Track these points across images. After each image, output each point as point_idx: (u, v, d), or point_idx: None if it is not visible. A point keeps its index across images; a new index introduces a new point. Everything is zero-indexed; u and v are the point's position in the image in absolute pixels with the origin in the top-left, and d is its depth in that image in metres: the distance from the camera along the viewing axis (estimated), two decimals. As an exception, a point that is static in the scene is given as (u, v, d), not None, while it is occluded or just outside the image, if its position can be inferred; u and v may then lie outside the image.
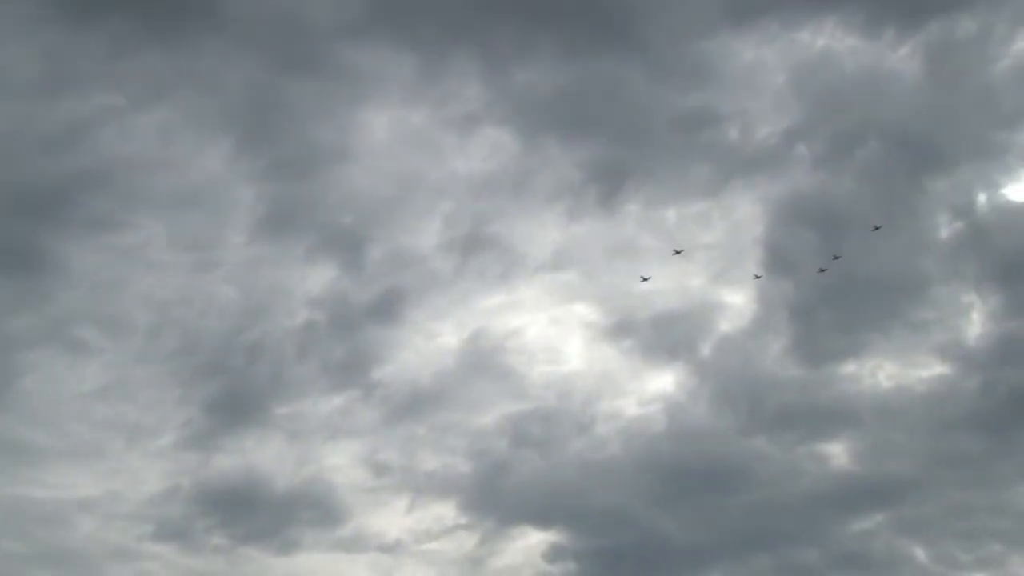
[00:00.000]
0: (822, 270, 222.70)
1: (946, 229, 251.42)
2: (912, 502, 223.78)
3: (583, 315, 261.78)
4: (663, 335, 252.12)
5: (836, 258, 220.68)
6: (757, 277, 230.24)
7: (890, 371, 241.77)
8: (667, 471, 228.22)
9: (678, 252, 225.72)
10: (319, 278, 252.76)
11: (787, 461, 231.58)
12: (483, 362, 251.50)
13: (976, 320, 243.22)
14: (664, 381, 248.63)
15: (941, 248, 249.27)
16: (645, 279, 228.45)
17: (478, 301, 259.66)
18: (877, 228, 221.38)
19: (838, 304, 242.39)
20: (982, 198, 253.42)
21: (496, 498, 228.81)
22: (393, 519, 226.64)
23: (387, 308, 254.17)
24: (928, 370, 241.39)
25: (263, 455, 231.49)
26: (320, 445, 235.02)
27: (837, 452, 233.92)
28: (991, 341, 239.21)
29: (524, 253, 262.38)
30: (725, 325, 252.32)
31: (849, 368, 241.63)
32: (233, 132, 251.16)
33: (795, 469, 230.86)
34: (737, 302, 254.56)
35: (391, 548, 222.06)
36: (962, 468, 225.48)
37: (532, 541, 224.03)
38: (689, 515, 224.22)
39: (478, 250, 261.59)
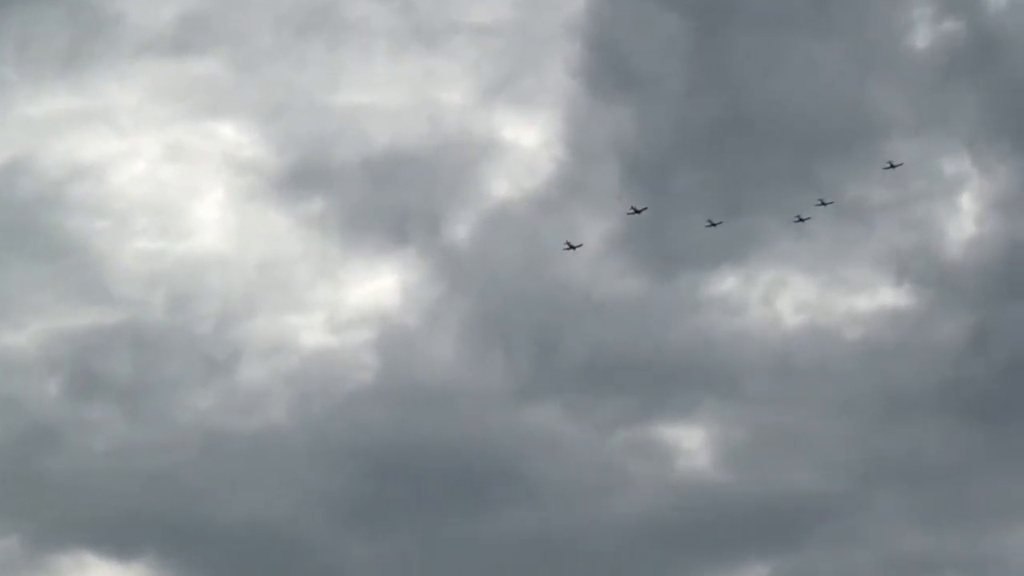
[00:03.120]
0: (800, 219, 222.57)
1: (925, 32, 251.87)
2: (826, 541, 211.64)
3: (230, 144, 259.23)
4: (379, 197, 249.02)
5: (823, 203, 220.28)
6: (636, 211, 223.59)
7: (802, 294, 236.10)
8: (375, 460, 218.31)
9: (637, 211, 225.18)
10: None
11: (600, 453, 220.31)
12: (19, 223, 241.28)
13: (967, 204, 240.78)
14: (379, 286, 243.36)
15: (914, 67, 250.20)
16: (572, 247, 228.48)
17: (17, 102, 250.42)
18: (893, 166, 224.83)
19: (714, 160, 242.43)
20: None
21: (29, 496, 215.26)
22: None
23: None
24: (872, 297, 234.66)
25: None
26: None
27: (693, 443, 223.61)
28: (992, 247, 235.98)
29: (118, 12, 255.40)
30: (501, 185, 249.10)
31: (725, 284, 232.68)
32: None
33: (614, 469, 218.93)
34: (528, 142, 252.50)
35: None
36: (920, 483, 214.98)
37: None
38: (408, 543, 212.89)
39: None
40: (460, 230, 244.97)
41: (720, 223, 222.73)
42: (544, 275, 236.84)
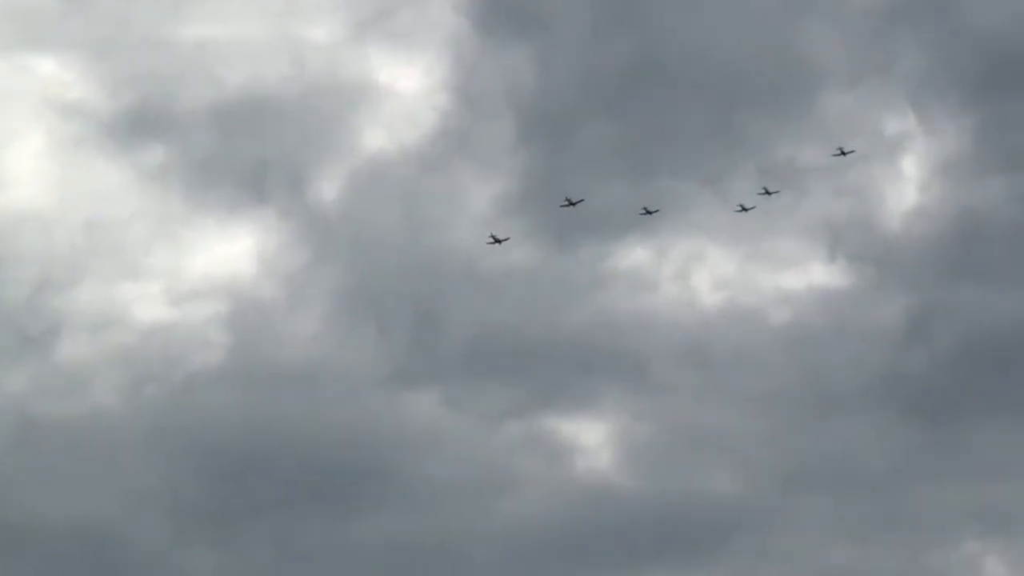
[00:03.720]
0: (743, 208, 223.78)
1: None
2: (744, 554, 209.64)
3: (51, 83, 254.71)
4: (231, 147, 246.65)
5: (767, 192, 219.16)
6: (571, 203, 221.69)
7: (721, 269, 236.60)
8: (223, 454, 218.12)
9: (572, 203, 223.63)
10: None
11: (487, 449, 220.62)
12: None
13: (910, 168, 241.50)
14: (231, 251, 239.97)
15: (852, 10, 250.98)
16: (498, 240, 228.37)
17: None
18: (844, 153, 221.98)
19: (623, 113, 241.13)
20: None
21: None
22: None
23: None
24: (800, 274, 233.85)
25: None
26: None
27: (594, 439, 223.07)
28: (938, 218, 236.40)
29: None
30: (376, 137, 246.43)
31: (633, 256, 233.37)
32: None
33: (502, 467, 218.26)
34: (408, 88, 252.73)
35: None
36: (851, 489, 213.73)
37: None
38: (261, 551, 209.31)
39: None
40: (327, 188, 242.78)
41: (656, 211, 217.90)
42: (425, 242, 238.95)
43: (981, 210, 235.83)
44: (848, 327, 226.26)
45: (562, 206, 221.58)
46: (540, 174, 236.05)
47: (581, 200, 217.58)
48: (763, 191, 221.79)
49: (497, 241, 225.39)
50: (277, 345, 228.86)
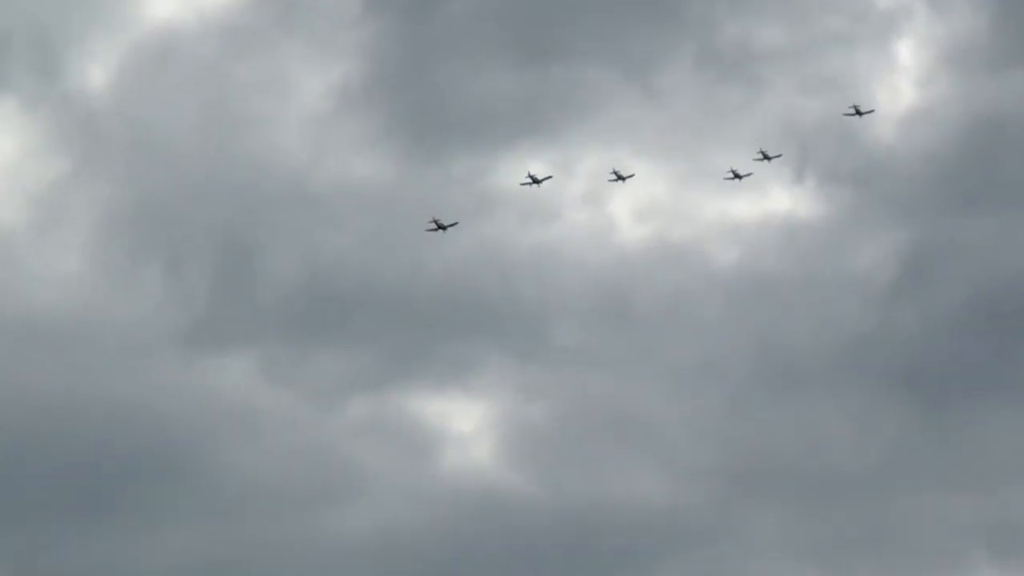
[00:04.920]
0: (736, 175, 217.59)
1: None
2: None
3: None
4: None
5: (766, 157, 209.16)
6: (535, 181, 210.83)
7: (647, 192, 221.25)
8: None
9: (536, 181, 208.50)
10: None
11: (321, 435, 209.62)
12: None
13: (906, 55, 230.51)
14: None
15: None
16: (442, 227, 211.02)
17: None
18: (860, 113, 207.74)
19: None
20: None
21: None
22: None
23: None
24: (755, 199, 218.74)
25: None
26: None
27: (468, 424, 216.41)
28: (942, 124, 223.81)
29: None
30: (167, 1, 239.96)
31: (526, 172, 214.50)
32: None
33: (342, 461, 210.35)
34: None
35: None
36: (813, 493, 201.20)
37: None
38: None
39: None
40: (94, 71, 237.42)
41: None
42: (234, 149, 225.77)
43: (1000, 113, 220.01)
44: (818, 273, 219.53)
45: (522, 184, 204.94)
46: (394, 56, 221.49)
47: (548, 177, 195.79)
48: (761, 156, 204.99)
49: (441, 228, 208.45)
50: (21, 289, 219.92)
